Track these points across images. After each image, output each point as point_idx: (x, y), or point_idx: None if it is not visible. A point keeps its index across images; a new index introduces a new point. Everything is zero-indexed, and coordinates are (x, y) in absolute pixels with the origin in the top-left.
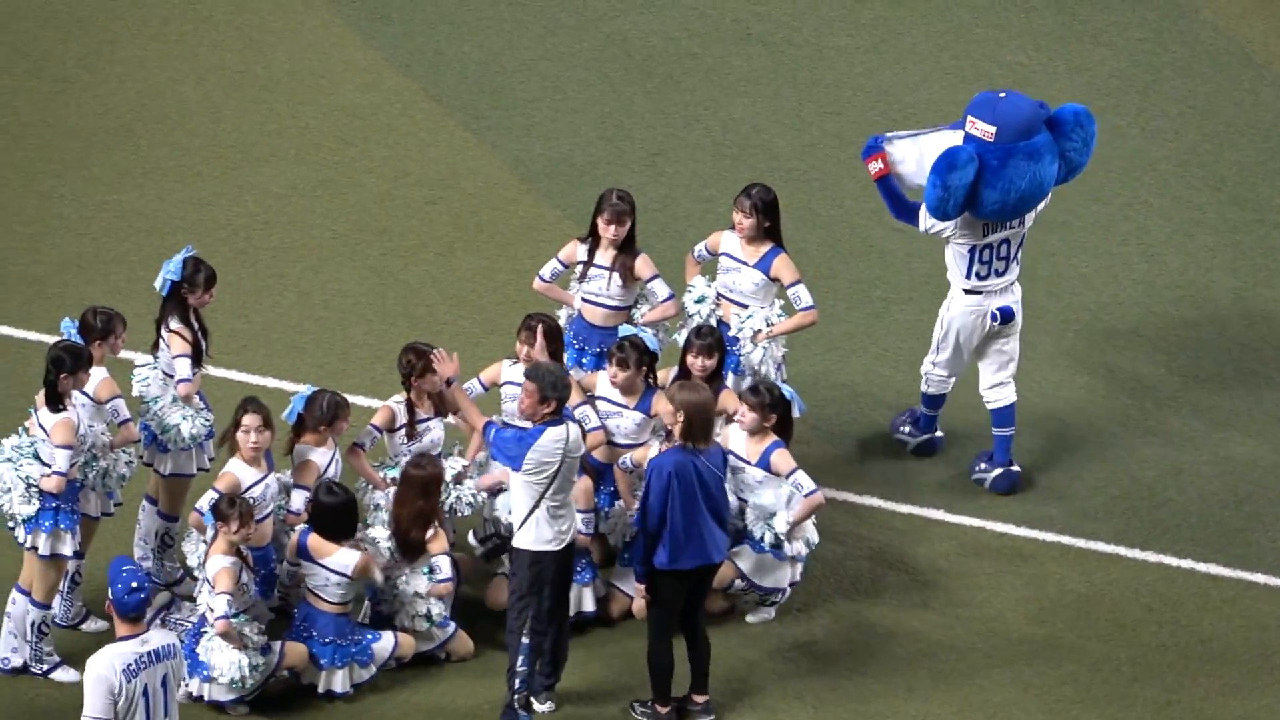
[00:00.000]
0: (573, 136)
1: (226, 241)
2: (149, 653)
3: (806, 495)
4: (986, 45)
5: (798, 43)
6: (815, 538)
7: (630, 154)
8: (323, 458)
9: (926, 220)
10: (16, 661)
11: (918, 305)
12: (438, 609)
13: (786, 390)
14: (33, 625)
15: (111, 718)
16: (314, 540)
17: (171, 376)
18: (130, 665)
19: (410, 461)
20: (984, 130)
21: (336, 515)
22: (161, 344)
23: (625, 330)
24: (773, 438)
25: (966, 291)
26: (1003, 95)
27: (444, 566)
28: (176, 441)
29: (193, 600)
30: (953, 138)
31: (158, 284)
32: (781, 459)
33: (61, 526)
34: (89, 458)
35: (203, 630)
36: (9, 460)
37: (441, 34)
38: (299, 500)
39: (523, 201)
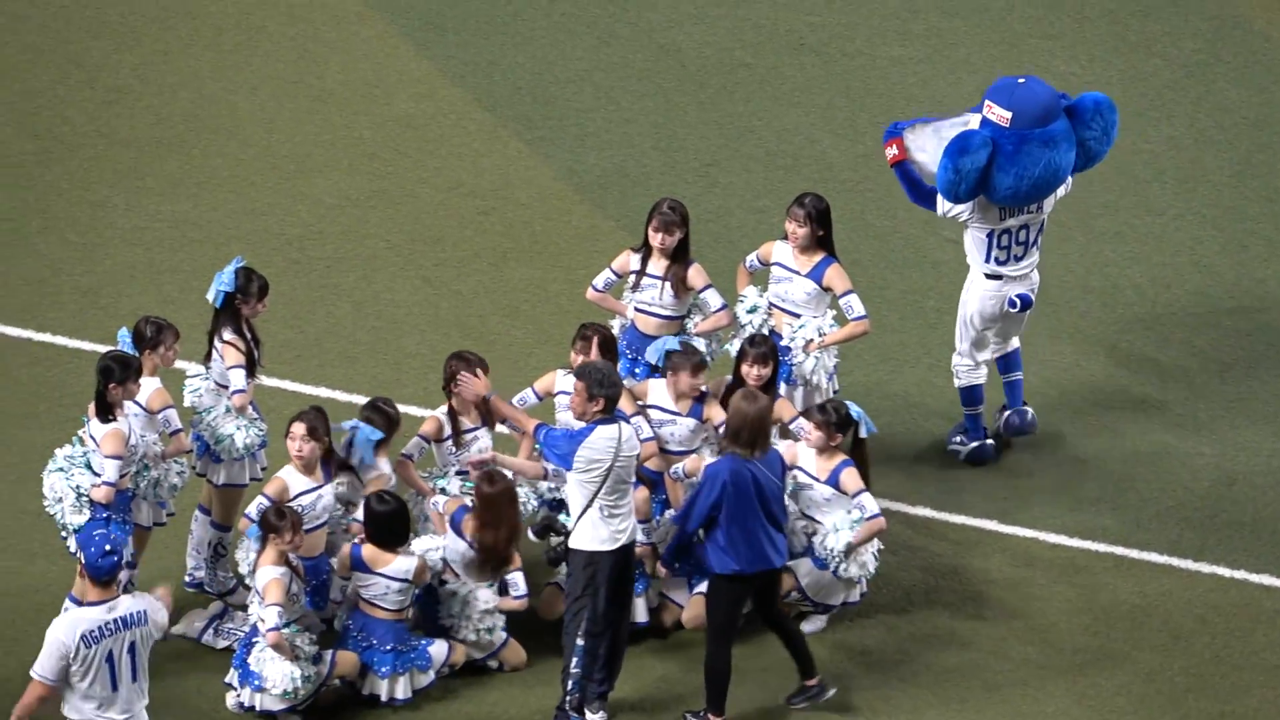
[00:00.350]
0: (626, 147)
1: (280, 251)
2: (116, 619)
3: (869, 518)
4: (1039, 55)
5: (851, 53)
6: (873, 567)
7: (684, 164)
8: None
9: (943, 204)
10: None
11: None
12: (500, 621)
13: (855, 410)
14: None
15: (60, 680)
16: (369, 551)
17: (224, 387)
18: (93, 631)
19: (482, 480)
20: (1000, 115)
21: (390, 522)
22: (214, 355)
23: (672, 341)
24: (842, 457)
25: (987, 276)
26: (1022, 81)
27: (520, 583)
28: (230, 452)
29: (245, 610)
30: (973, 123)
31: (210, 295)
32: (850, 478)
33: (114, 535)
34: (140, 467)
35: (254, 640)
36: (60, 470)
37: (495, 44)
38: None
39: (576, 212)
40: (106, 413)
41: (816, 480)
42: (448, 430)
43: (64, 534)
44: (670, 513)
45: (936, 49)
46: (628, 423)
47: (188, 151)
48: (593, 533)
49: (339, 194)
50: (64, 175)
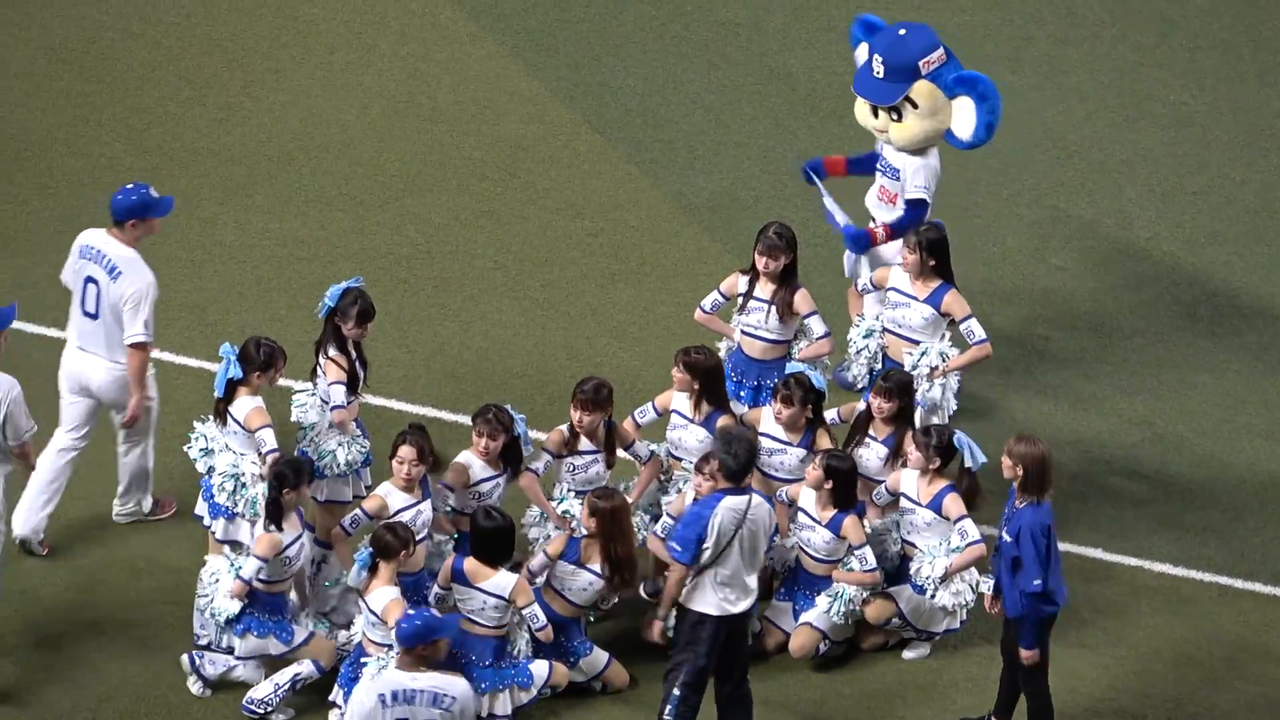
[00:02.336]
0: (735, 170)
1: (388, 271)
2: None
3: (969, 544)
4: (1150, 85)
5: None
6: (970, 596)
7: (792, 188)
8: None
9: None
10: None
11: (1078, 343)
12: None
13: (962, 440)
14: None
15: None
16: (470, 564)
17: (328, 403)
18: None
19: (597, 497)
20: (940, 55)
21: (494, 539)
22: (319, 371)
23: (792, 367)
24: (945, 482)
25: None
26: (903, 32)
27: (539, 615)
28: (332, 468)
29: (347, 628)
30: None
31: (319, 310)
32: (952, 504)
33: (254, 634)
34: (238, 485)
35: (363, 660)
36: (227, 559)
37: (606, 66)
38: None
39: (684, 234)
40: (277, 518)
41: (918, 504)
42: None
43: (213, 619)
44: (777, 539)
45: (1048, 76)
46: (764, 499)
47: (297, 169)
48: (700, 594)
49: (448, 214)
50: (173, 191)
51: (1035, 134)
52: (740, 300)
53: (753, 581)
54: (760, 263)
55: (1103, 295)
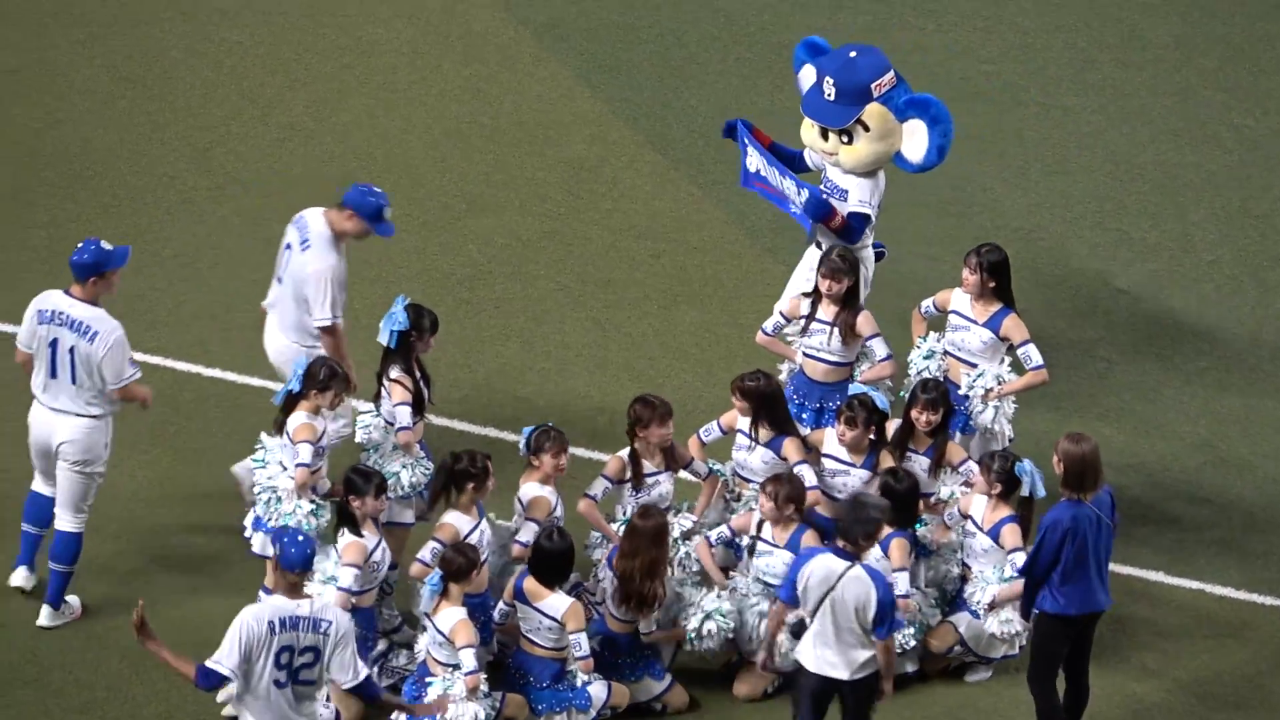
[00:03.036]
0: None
1: (450, 291)
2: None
3: (1016, 578)
4: (1214, 108)
5: (1025, 102)
6: (1019, 626)
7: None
8: (547, 493)
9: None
10: None
11: (1140, 367)
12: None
13: (1025, 469)
14: None
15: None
16: (530, 583)
17: (392, 424)
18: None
19: (636, 513)
20: (891, 78)
21: (554, 560)
22: (383, 393)
23: (855, 389)
24: (1009, 510)
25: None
26: (854, 54)
27: (583, 644)
28: (396, 489)
29: (410, 648)
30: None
31: (383, 338)
32: (1010, 535)
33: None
34: (273, 498)
35: (428, 679)
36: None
37: (669, 87)
38: (528, 534)
39: (746, 255)
40: (353, 525)
41: (980, 529)
42: (629, 472)
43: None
44: None
45: (1111, 99)
46: (870, 572)
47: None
48: (804, 645)
49: (510, 234)
50: (237, 211)
51: (1099, 157)
52: (803, 323)
53: (855, 654)
54: (824, 285)
55: (1165, 318)
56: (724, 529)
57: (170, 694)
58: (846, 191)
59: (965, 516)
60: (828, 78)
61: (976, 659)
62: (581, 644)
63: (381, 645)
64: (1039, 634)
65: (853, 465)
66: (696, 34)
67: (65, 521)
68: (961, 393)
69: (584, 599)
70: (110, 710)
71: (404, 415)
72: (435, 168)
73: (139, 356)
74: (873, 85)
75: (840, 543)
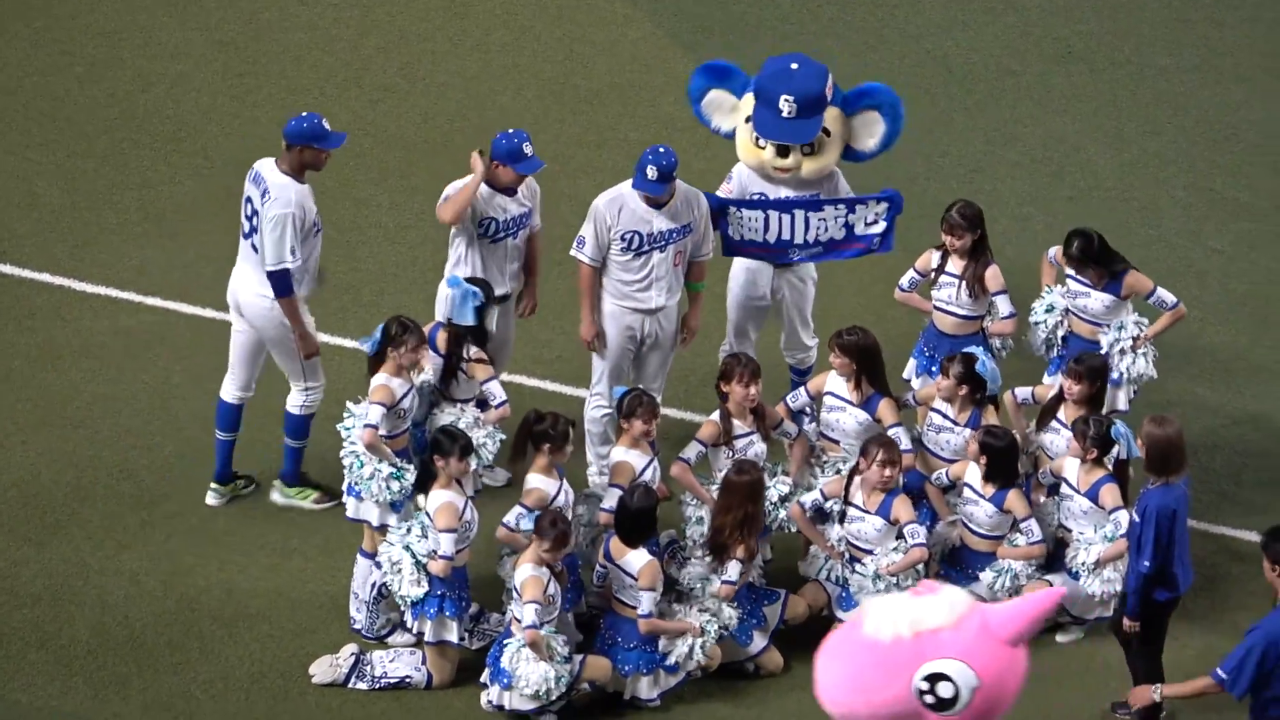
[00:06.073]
0: (890, 151)
1: (544, 253)
2: None
3: (1121, 535)
4: None
5: (1119, 61)
6: (1119, 585)
7: (948, 170)
8: (638, 460)
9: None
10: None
11: (1234, 326)
12: (728, 616)
13: (1119, 431)
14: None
15: None
16: (614, 543)
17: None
18: None
19: (732, 468)
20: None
21: (634, 518)
22: (462, 371)
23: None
24: (1105, 471)
25: None
26: (795, 66)
27: (645, 602)
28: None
29: (501, 612)
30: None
31: (454, 312)
32: (1109, 494)
33: (447, 614)
34: (354, 462)
35: (507, 641)
36: (400, 542)
37: (762, 47)
38: (611, 500)
39: None
40: (425, 485)
41: (1077, 491)
42: (722, 436)
43: (401, 606)
44: (940, 525)
45: (1205, 58)
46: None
47: (454, 152)
48: None
49: None
50: (329, 173)
51: (1191, 116)
52: (934, 276)
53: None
54: (949, 241)
55: (1258, 277)
56: (817, 494)
57: (262, 656)
58: (818, 195)
59: (1059, 479)
60: (785, 96)
61: (1071, 620)
62: (645, 602)
63: (475, 607)
64: (1150, 618)
65: (956, 424)
66: None
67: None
68: (1104, 350)
69: (678, 558)
70: (203, 671)
71: (499, 390)
72: (529, 128)
73: (227, 318)
74: (826, 89)
75: None
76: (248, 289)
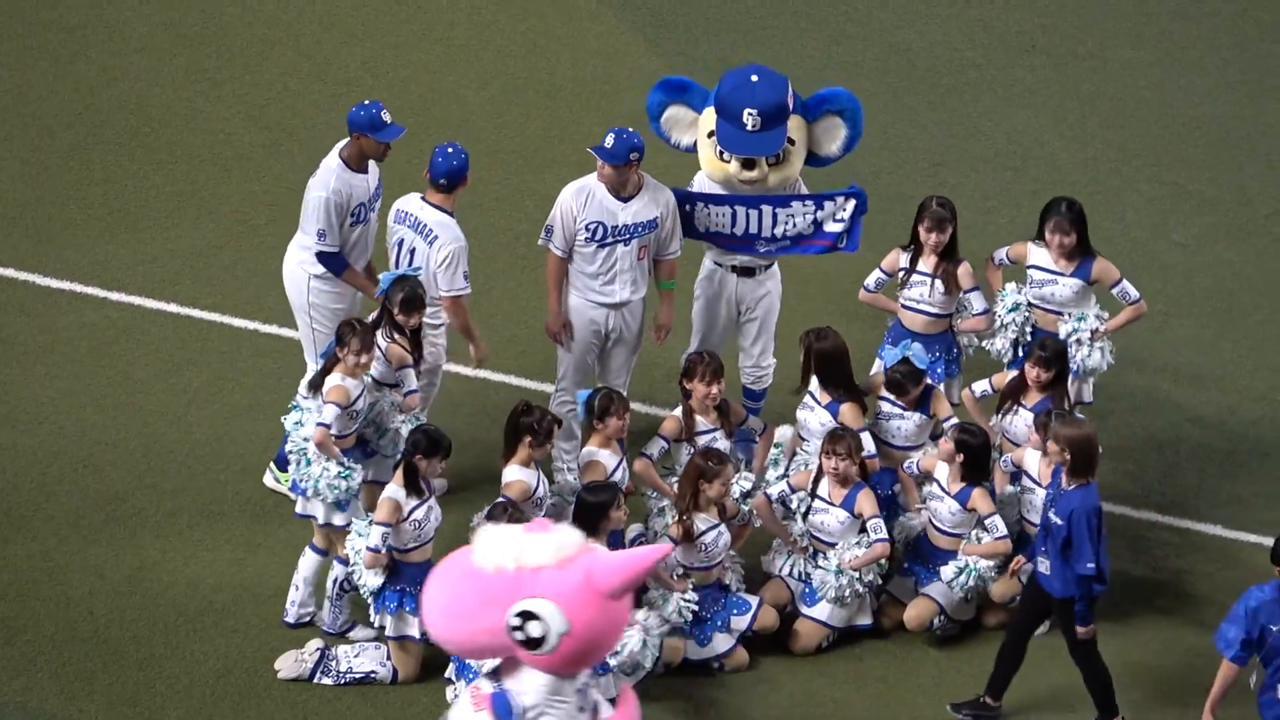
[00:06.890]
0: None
1: (506, 247)
2: None
3: (1001, 536)
4: (1273, 60)
5: (1082, 55)
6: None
7: (911, 164)
8: (610, 460)
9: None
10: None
11: (1198, 320)
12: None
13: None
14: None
15: None
16: None
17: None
18: None
19: (698, 453)
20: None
21: (585, 514)
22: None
23: (917, 348)
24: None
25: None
26: (755, 78)
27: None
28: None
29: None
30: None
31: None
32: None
33: (407, 609)
34: (301, 460)
35: None
36: (359, 533)
37: (725, 42)
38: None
39: None
40: (415, 486)
41: (1038, 485)
42: (684, 431)
43: (364, 594)
44: (907, 516)
45: (1168, 52)
46: None
47: (417, 146)
48: None
49: None
50: (292, 168)
51: (1155, 110)
52: (902, 275)
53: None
54: (930, 238)
55: (1222, 271)
56: (783, 486)
57: (228, 650)
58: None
59: (1020, 471)
60: (748, 110)
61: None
62: None
63: None
64: (1083, 613)
65: (904, 409)
66: None
67: None
68: (1062, 337)
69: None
70: (168, 666)
71: (411, 378)
72: (492, 123)
73: (195, 314)
74: (787, 100)
75: None
76: (288, 255)
